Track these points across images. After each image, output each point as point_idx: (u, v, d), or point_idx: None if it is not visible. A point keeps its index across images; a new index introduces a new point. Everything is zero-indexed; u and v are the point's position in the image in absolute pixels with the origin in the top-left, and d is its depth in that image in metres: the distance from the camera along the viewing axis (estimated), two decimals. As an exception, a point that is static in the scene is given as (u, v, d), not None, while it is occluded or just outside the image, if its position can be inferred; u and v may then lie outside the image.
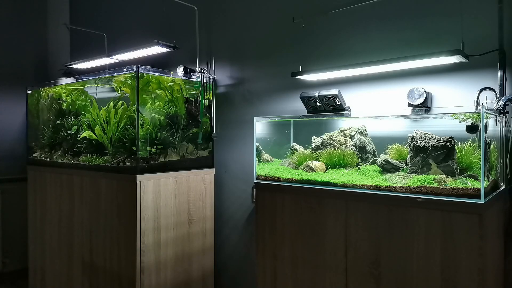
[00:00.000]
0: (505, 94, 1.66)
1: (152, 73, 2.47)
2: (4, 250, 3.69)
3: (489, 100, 1.66)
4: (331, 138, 2.02)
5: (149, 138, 2.45)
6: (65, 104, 3.11)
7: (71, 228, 2.76)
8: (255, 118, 2.09)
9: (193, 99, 2.71)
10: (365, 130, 2.01)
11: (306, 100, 2.02)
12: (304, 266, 1.80)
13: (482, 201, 1.36)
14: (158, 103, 2.57)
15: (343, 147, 1.97)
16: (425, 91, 1.76)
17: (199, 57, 2.76)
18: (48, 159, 3.07)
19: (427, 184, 1.49)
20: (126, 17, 3.52)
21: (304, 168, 1.94)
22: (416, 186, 1.51)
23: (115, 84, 2.57)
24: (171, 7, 3.04)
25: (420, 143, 1.62)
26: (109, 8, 3.70)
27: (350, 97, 2.11)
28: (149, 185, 2.31)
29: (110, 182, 2.44)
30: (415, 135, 1.65)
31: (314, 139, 2.08)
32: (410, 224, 1.49)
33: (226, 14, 2.75)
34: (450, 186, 1.45)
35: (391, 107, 1.98)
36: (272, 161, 2.23)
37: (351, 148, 1.95)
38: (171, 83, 2.60)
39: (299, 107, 2.20)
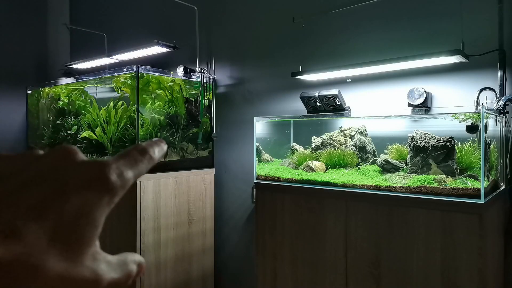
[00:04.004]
0: (505, 94, 1.66)
1: (152, 73, 2.47)
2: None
3: (489, 100, 1.66)
4: (331, 138, 2.02)
5: (149, 138, 2.45)
6: (60, 103, 3.11)
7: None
8: (255, 118, 2.09)
9: (193, 99, 2.71)
10: (365, 130, 2.01)
11: (306, 100, 2.02)
12: (304, 266, 1.79)
13: (482, 201, 1.36)
14: (158, 103, 2.57)
15: (343, 147, 1.97)
16: (425, 91, 1.76)
17: (199, 57, 2.76)
18: (48, 159, 3.07)
19: (427, 184, 1.49)
20: (126, 17, 3.52)
21: (304, 168, 1.94)
22: (416, 186, 1.51)
23: (115, 84, 2.57)
24: (171, 7, 3.04)
25: (420, 143, 1.62)
26: (109, 8, 3.70)
27: (350, 97, 2.11)
28: (149, 185, 2.31)
29: (110, 182, 2.43)
30: (415, 135, 1.65)
31: (314, 139, 2.08)
32: (410, 224, 1.49)
33: (226, 14, 2.75)
34: (450, 186, 1.45)
35: (391, 107, 1.98)
36: (272, 161, 2.23)
37: (351, 148, 1.95)
38: (171, 83, 2.60)
39: (299, 107, 2.20)
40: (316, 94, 1.97)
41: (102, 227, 0.25)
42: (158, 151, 0.29)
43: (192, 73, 2.67)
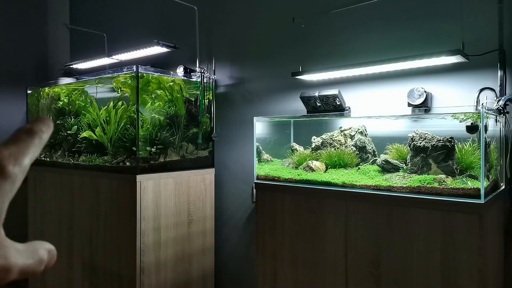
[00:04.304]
0: (505, 94, 1.66)
1: (152, 73, 2.47)
2: (4, 250, 3.68)
3: (489, 100, 1.66)
4: (331, 138, 2.02)
5: (149, 138, 2.45)
6: (60, 103, 3.11)
7: (71, 228, 2.76)
8: (255, 118, 2.09)
9: (193, 99, 2.71)
10: (365, 130, 2.01)
11: (306, 100, 2.02)
12: (304, 266, 1.80)
13: (482, 201, 1.36)
14: (158, 103, 2.57)
15: (343, 147, 1.97)
16: (425, 91, 1.77)
17: (199, 57, 2.76)
18: (48, 159, 3.07)
19: (427, 184, 1.49)
20: (126, 17, 3.52)
21: (304, 168, 1.94)
22: (416, 186, 1.51)
23: (115, 84, 2.57)
24: (171, 7, 3.04)
25: (420, 143, 1.62)
26: (109, 8, 3.70)
27: (350, 97, 2.11)
28: (149, 185, 2.31)
29: (110, 182, 2.44)
30: (415, 135, 1.65)
31: (314, 139, 2.08)
32: (410, 224, 1.49)
33: (226, 14, 2.75)
34: (450, 186, 1.45)
35: (391, 107, 1.98)
36: (272, 161, 2.23)
37: (351, 148, 1.95)
38: (171, 83, 2.60)
39: (299, 107, 2.20)
40: (316, 94, 1.97)
41: (5, 214, 0.26)
42: (46, 130, 0.28)
43: (192, 73, 2.67)
